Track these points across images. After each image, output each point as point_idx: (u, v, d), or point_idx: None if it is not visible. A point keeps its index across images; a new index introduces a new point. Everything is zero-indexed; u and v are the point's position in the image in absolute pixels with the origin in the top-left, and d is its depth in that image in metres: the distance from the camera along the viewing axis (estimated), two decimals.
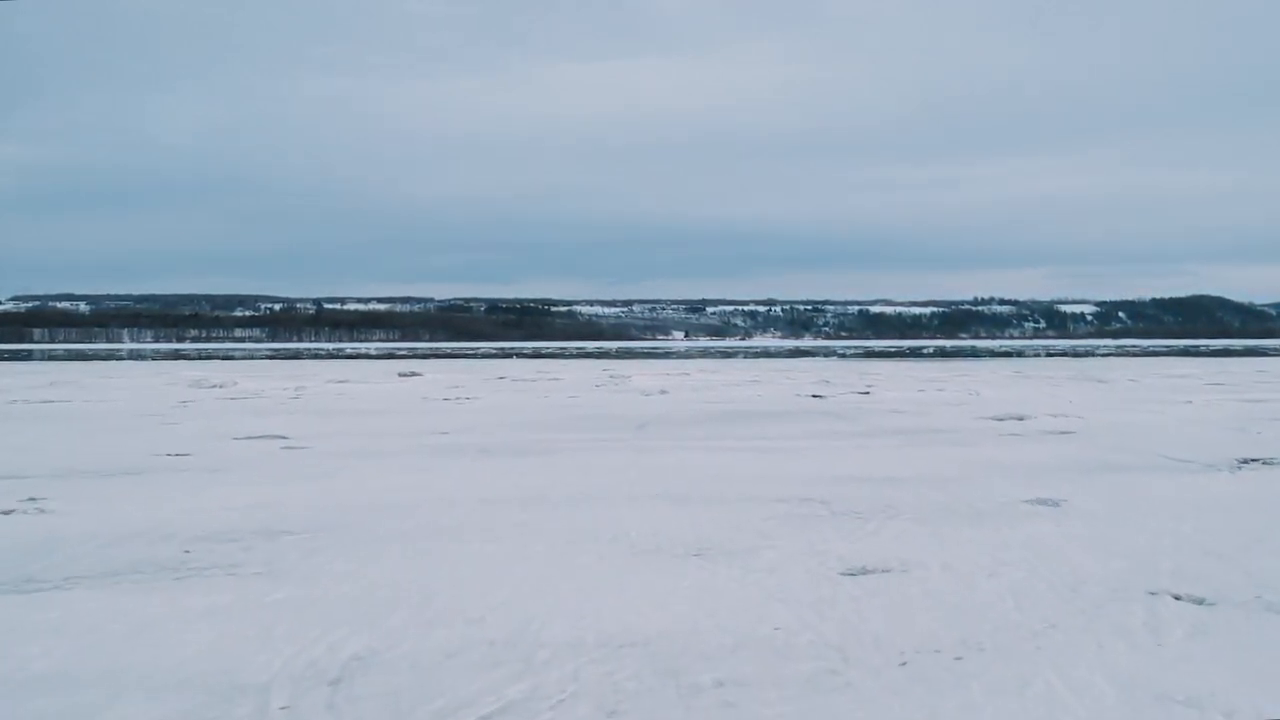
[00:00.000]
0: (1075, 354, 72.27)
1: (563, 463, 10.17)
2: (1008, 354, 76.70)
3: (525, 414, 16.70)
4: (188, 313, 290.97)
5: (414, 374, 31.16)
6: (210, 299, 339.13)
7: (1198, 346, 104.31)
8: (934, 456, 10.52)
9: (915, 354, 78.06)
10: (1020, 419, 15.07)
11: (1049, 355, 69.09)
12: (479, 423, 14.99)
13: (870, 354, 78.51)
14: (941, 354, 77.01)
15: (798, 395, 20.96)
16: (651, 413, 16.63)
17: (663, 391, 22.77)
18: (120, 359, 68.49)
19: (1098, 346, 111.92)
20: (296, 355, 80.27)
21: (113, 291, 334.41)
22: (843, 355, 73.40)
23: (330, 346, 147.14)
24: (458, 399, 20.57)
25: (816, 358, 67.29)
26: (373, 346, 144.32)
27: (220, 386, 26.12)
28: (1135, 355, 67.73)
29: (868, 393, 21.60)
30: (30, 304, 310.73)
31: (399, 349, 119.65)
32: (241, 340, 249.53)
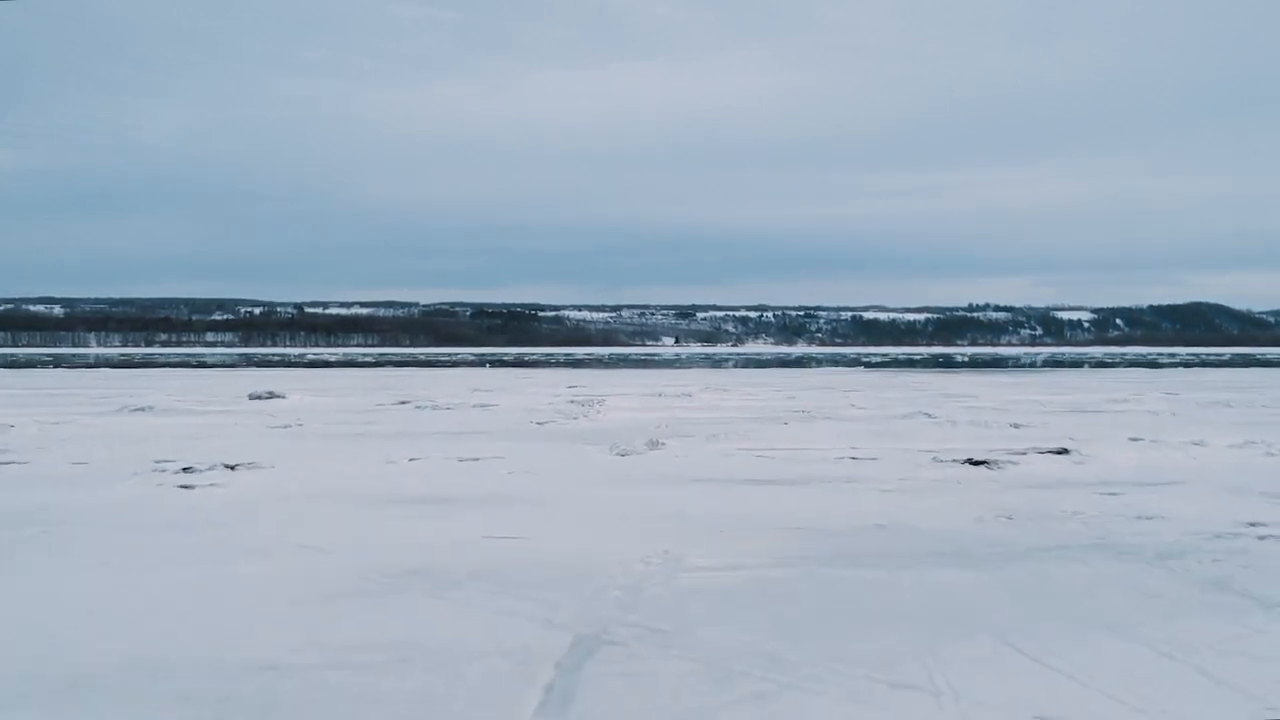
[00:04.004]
0: (1143, 363, 61.50)
1: None
2: (1051, 364, 66.31)
3: (266, 569, 5.87)
4: (159, 317, 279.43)
5: (272, 396, 20.32)
6: (190, 303, 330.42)
7: (1249, 355, 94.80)
8: None
9: (950, 363, 67.52)
10: None
11: (1120, 365, 58.10)
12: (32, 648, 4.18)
13: (896, 363, 67.73)
14: (978, 364, 66.39)
15: (936, 460, 10.10)
16: (618, 550, 5.83)
17: (652, 443, 11.99)
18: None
19: (1157, 355, 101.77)
20: (233, 364, 69.17)
21: (92, 295, 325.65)
22: (867, 364, 62.22)
23: (294, 352, 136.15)
24: (236, 469, 9.73)
25: (827, 367, 56.92)
26: (339, 352, 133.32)
27: None
28: (1204, 366, 57.39)
29: (1066, 451, 10.77)
30: (3, 307, 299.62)
31: (365, 355, 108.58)
32: (213, 345, 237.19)
